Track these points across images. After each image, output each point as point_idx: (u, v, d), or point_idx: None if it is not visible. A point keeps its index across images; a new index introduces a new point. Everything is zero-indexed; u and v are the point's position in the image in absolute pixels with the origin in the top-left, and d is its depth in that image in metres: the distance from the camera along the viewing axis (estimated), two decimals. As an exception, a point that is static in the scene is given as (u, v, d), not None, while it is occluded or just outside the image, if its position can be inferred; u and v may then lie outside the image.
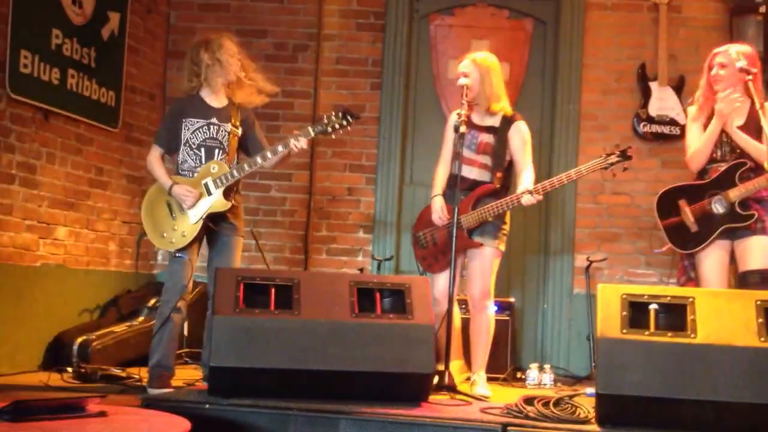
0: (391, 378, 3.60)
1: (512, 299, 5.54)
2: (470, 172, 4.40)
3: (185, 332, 5.31)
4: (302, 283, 3.71)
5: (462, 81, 4.34)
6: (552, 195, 5.95)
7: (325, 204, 6.19)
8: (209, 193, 4.26)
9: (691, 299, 3.34)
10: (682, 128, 5.81)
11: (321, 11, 6.23)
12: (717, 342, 3.21)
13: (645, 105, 5.88)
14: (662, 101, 5.84)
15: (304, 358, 3.55)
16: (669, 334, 3.27)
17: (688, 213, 4.36)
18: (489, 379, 4.48)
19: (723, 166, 4.32)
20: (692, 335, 3.25)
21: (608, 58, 6.05)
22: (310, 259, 6.13)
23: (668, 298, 3.38)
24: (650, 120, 5.86)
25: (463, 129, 4.21)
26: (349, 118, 4.27)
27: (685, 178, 4.62)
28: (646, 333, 3.28)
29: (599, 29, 6.07)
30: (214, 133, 4.33)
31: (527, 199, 4.24)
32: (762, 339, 3.20)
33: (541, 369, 5.02)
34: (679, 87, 5.84)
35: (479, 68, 4.37)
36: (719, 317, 3.28)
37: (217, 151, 4.32)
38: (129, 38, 5.72)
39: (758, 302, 3.30)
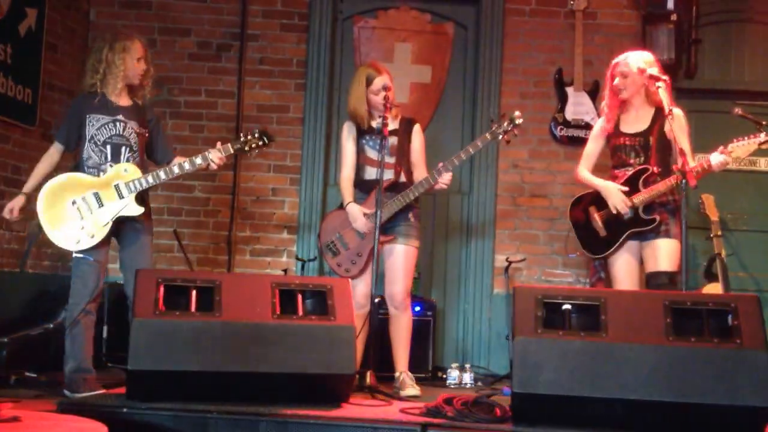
0: (312, 379, 3.61)
1: (434, 299, 5.61)
2: (385, 174, 4.51)
3: (104, 334, 5.23)
4: (223, 285, 3.69)
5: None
6: (473, 196, 6.08)
7: (249, 204, 6.16)
8: (121, 196, 4.19)
9: (602, 300, 3.44)
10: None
11: (245, 11, 6.20)
12: (627, 341, 3.32)
13: (562, 109, 6.02)
14: (578, 106, 5.99)
15: (225, 360, 3.53)
16: (582, 334, 3.37)
17: (597, 219, 4.50)
18: (411, 379, 4.56)
19: (630, 171, 4.45)
20: (604, 335, 3.35)
21: (526, 63, 6.17)
22: (233, 259, 6.09)
23: (581, 299, 3.48)
24: (566, 124, 6.00)
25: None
26: (265, 139, 4.40)
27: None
28: (560, 333, 3.37)
29: (518, 35, 6.18)
30: (121, 131, 4.26)
31: (445, 179, 4.47)
32: (669, 338, 3.32)
33: (461, 369, 5.11)
34: (594, 92, 5.98)
35: (391, 81, 4.64)
36: (629, 317, 3.39)
37: (124, 148, 4.26)
38: (47, 35, 5.58)
39: (666, 303, 3.42)
